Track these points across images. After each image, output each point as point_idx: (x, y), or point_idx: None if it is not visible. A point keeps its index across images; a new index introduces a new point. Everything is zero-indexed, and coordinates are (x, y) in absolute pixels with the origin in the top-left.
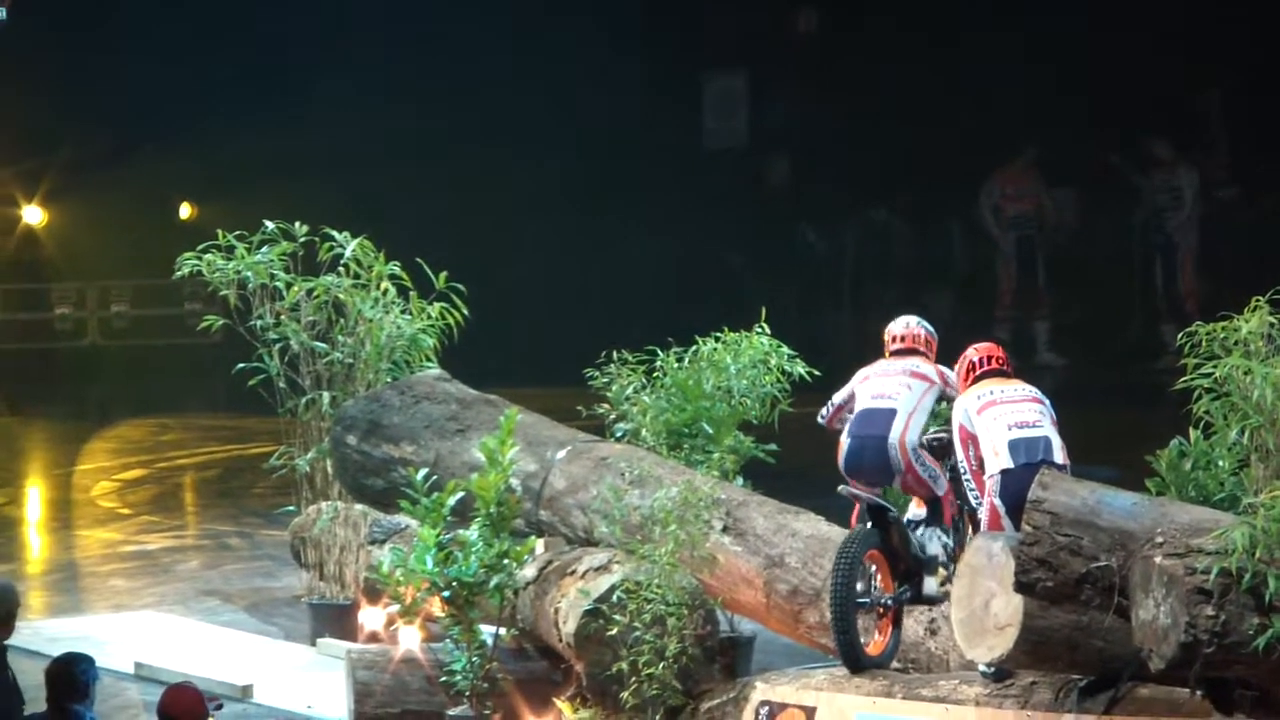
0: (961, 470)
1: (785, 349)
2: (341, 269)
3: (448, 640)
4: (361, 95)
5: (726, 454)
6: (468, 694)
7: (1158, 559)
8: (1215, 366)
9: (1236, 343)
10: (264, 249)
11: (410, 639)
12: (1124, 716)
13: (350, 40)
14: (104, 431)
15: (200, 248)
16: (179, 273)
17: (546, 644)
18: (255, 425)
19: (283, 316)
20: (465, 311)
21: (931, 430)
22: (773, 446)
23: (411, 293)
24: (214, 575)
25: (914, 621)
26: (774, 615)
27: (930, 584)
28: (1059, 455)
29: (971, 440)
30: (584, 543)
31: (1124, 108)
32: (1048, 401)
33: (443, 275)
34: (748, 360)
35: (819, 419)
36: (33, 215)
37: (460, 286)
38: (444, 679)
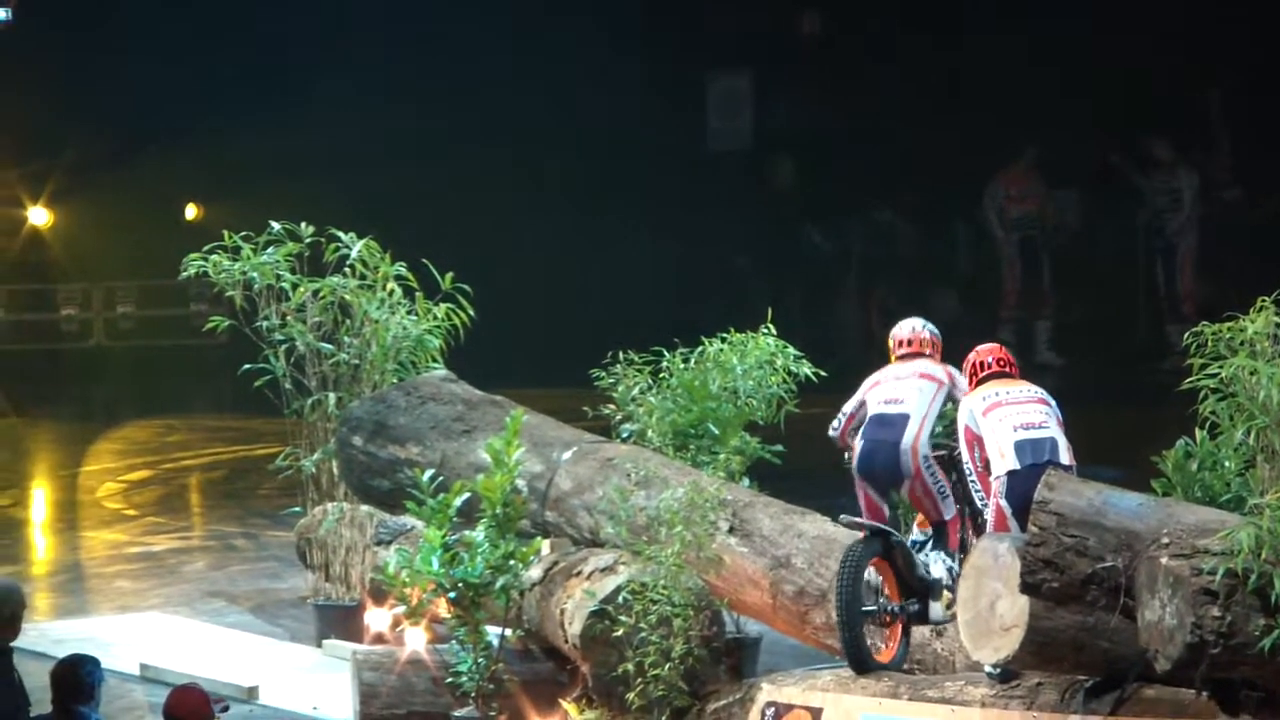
0: (967, 472)
1: (791, 349)
2: (347, 270)
3: (453, 641)
4: (361, 95)
5: (732, 455)
6: (473, 695)
7: (1164, 560)
8: (1221, 367)
9: (1242, 343)
10: (270, 250)
11: (416, 640)
12: (1129, 717)
13: (350, 40)
14: (109, 432)
15: (206, 248)
16: (185, 273)
17: (552, 645)
18: (261, 426)
19: (289, 317)
20: (471, 312)
21: (936, 434)
22: (779, 447)
23: (417, 293)
24: (219, 576)
25: None
26: (780, 616)
27: (936, 609)
28: (1065, 456)
29: (977, 442)
30: (590, 544)
31: (1125, 109)
32: (1053, 402)
33: (449, 276)
34: (754, 361)
35: (830, 432)
36: (38, 216)
37: (466, 287)
38: (449, 680)
